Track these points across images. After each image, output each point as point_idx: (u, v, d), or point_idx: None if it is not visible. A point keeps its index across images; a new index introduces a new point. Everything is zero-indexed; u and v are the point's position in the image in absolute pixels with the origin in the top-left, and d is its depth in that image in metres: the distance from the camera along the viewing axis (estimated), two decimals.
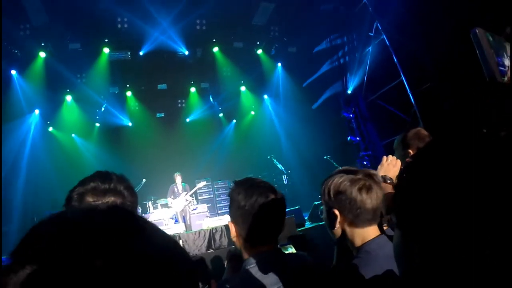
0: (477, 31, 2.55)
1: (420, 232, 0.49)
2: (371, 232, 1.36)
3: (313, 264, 1.54)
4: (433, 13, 6.65)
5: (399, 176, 0.57)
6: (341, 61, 11.24)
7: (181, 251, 0.50)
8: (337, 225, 1.37)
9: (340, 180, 1.36)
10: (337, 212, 1.36)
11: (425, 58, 7.50)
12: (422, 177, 0.51)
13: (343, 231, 1.39)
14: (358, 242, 1.36)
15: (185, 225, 8.25)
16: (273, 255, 1.42)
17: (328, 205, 1.40)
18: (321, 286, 1.38)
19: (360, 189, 1.33)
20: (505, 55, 2.70)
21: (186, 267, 0.48)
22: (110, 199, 1.20)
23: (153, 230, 0.48)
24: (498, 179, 0.43)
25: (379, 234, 1.37)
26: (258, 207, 1.37)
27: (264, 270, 1.34)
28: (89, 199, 1.18)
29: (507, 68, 2.68)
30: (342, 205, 1.35)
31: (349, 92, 10.45)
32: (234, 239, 1.47)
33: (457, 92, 6.31)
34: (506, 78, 2.61)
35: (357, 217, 1.34)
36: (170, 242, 0.50)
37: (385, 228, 1.41)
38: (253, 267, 1.36)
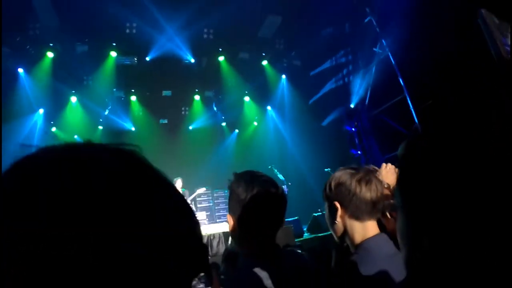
0: (483, 12, 2.56)
1: (427, 211, 0.47)
2: (371, 228, 1.36)
3: (308, 261, 1.53)
4: (437, 30, 6.69)
5: (401, 156, 0.56)
6: (345, 72, 11.29)
7: (194, 222, 0.47)
8: (338, 219, 1.38)
9: (340, 174, 1.39)
10: (337, 204, 1.38)
11: (428, 74, 7.52)
12: (426, 157, 0.50)
13: (344, 228, 1.39)
14: (358, 238, 1.36)
15: None
16: (270, 250, 1.42)
17: (329, 199, 1.42)
18: (315, 281, 1.37)
19: (359, 181, 1.34)
20: (509, 36, 2.71)
21: (192, 242, 0.45)
22: None
23: (169, 187, 0.45)
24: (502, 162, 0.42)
25: (379, 232, 1.37)
26: (258, 201, 1.36)
27: (261, 263, 1.33)
28: None
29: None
30: (342, 197, 1.36)
31: (352, 106, 10.47)
32: (232, 232, 1.46)
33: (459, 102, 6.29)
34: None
35: (357, 209, 1.34)
36: (185, 208, 0.47)
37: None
38: (249, 260, 1.36)
